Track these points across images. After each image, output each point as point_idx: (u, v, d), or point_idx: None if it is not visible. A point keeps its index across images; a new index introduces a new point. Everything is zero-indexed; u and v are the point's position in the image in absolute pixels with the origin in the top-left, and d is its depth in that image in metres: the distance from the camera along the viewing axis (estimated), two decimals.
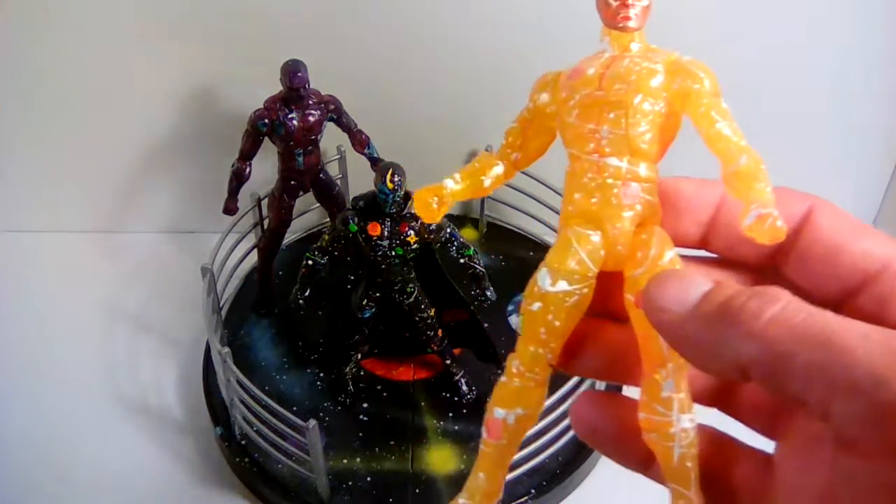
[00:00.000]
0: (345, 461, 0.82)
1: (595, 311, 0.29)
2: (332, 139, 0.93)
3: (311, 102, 0.84)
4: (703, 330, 0.25)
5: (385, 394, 0.88)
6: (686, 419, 0.28)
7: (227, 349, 0.77)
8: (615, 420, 0.30)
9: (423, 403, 0.87)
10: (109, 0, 0.91)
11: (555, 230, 0.99)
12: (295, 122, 0.83)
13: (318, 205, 0.95)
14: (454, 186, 0.31)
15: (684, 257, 0.29)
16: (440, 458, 0.83)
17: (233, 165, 0.86)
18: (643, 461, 0.30)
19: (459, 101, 0.98)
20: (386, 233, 0.77)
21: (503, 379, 0.30)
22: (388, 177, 0.74)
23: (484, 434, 0.30)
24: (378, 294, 0.82)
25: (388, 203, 0.76)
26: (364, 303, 0.82)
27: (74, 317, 1.00)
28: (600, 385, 0.77)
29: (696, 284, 0.26)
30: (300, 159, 0.86)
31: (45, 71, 0.97)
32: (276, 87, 0.82)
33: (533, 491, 0.80)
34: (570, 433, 0.79)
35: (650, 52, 0.29)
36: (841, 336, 0.22)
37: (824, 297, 0.28)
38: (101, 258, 1.08)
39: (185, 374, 0.94)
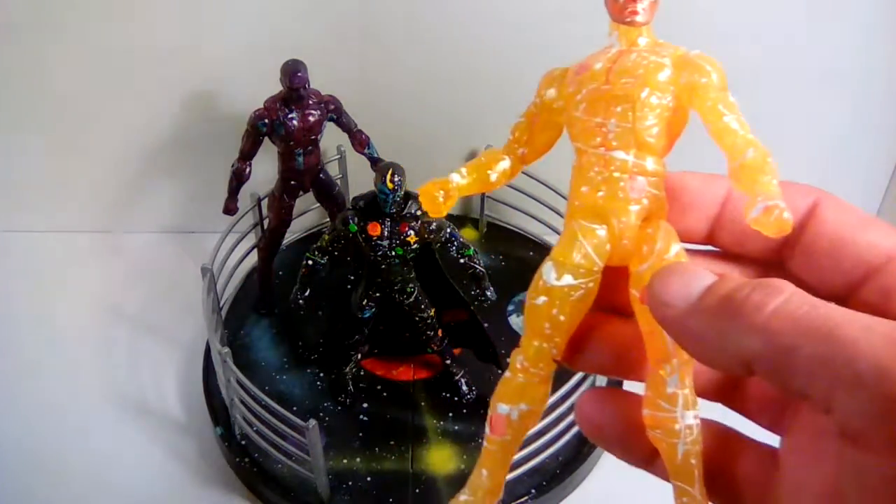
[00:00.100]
0: (345, 461, 0.82)
1: (600, 305, 0.29)
2: (332, 139, 0.93)
3: (311, 102, 0.84)
4: (706, 324, 0.25)
5: (385, 394, 0.88)
6: (690, 416, 0.27)
7: (227, 349, 0.77)
8: (619, 416, 0.30)
9: (423, 403, 0.87)
10: (110, 0, 0.91)
11: (555, 230, 0.99)
12: (295, 122, 0.83)
13: (318, 205, 0.95)
14: (460, 180, 0.31)
15: (690, 252, 0.29)
16: (440, 458, 0.83)
17: (233, 165, 0.86)
18: (647, 457, 0.30)
19: (459, 101, 0.98)
20: (386, 233, 0.77)
21: (507, 374, 0.30)
22: (388, 177, 0.74)
23: (487, 430, 0.30)
24: (378, 294, 0.82)
25: (388, 203, 0.76)
26: (364, 303, 0.82)
27: (74, 317, 1.00)
28: (601, 380, 0.77)
29: (699, 278, 0.26)
30: (300, 159, 0.86)
31: (45, 71, 0.97)
32: (276, 87, 0.82)
33: (533, 491, 0.80)
34: (571, 433, 0.80)
35: (658, 47, 0.29)
36: (844, 329, 0.22)
37: (830, 291, 0.28)
38: (101, 258, 1.08)
39: (185, 374, 0.94)
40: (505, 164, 0.32)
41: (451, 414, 0.86)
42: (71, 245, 1.09)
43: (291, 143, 0.84)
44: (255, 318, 0.96)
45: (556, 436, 0.78)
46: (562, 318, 0.28)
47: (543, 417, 0.73)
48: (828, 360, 0.22)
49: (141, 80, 0.97)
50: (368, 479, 0.81)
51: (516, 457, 0.32)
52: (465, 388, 0.87)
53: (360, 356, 0.87)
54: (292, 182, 0.88)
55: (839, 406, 0.22)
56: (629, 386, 0.31)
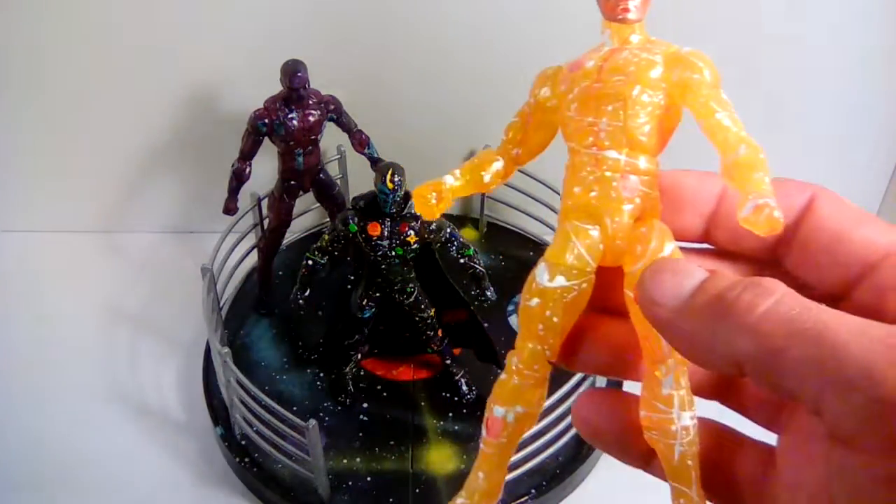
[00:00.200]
0: (345, 461, 0.82)
1: (595, 306, 0.29)
2: (332, 139, 0.93)
3: (311, 102, 0.84)
4: (697, 324, 0.25)
5: (385, 394, 0.88)
6: (687, 416, 0.27)
7: (227, 349, 0.77)
8: (616, 417, 0.30)
9: (423, 403, 0.87)
10: (110, 0, 0.91)
11: (554, 230, 0.99)
12: (295, 122, 0.83)
13: (318, 205, 0.95)
14: (454, 182, 0.31)
15: (685, 250, 0.29)
16: (440, 458, 0.83)
17: (233, 165, 0.86)
18: (644, 457, 0.29)
19: (459, 101, 0.98)
20: (386, 233, 0.77)
21: (503, 376, 0.30)
22: (388, 177, 0.74)
23: (484, 433, 0.30)
24: (378, 294, 0.82)
25: (388, 203, 0.76)
26: (364, 303, 0.82)
27: (74, 317, 1.00)
28: (601, 381, 0.77)
29: (690, 275, 0.26)
30: (300, 159, 0.86)
31: (46, 71, 0.97)
32: (276, 87, 0.82)
33: (533, 491, 0.80)
34: (570, 433, 0.80)
35: (650, 44, 0.29)
36: (834, 331, 0.22)
37: (826, 288, 0.28)
38: (101, 258, 1.08)
39: (185, 374, 0.94)
40: (499, 164, 0.31)
41: (451, 414, 0.86)
42: (71, 245, 1.09)
43: (291, 143, 0.84)
44: (255, 318, 0.96)
45: (556, 436, 0.78)
46: (555, 319, 0.28)
47: (543, 418, 0.73)
48: (818, 362, 0.22)
49: (141, 80, 0.97)
50: (368, 479, 0.81)
51: (516, 457, 0.32)
52: (465, 388, 0.87)
53: (360, 356, 0.87)
54: (292, 182, 0.88)
55: (829, 408, 0.22)
56: (628, 386, 0.31)
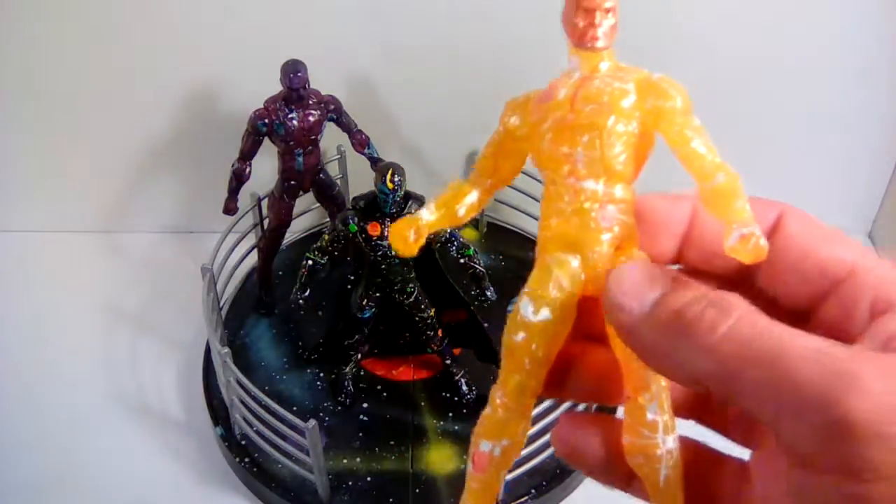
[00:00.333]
0: (345, 461, 0.82)
1: (577, 334, 0.29)
2: (332, 139, 0.93)
3: (311, 102, 0.84)
4: (658, 337, 0.25)
5: (385, 394, 0.88)
6: (671, 440, 0.28)
7: (227, 349, 0.77)
8: (596, 440, 0.30)
9: (423, 403, 0.87)
10: (110, 0, 0.91)
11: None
12: (295, 122, 0.83)
13: (318, 205, 0.95)
14: (429, 217, 0.31)
15: None
16: (440, 458, 0.83)
17: (233, 165, 0.86)
18: (625, 479, 0.30)
19: (460, 102, 0.98)
20: (386, 233, 0.77)
21: (487, 410, 0.30)
22: (388, 177, 0.74)
23: (470, 468, 0.30)
24: (378, 294, 0.82)
25: (388, 203, 0.76)
26: (364, 303, 0.82)
27: (74, 317, 1.00)
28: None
29: (653, 283, 0.26)
30: (300, 159, 0.86)
31: (46, 71, 0.97)
32: (276, 87, 0.82)
33: (533, 491, 0.80)
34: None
35: (620, 71, 0.29)
36: (790, 355, 0.23)
37: (795, 305, 0.28)
38: (101, 258, 1.08)
39: (185, 374, 0.94)
40: (472, 197, 0.31)
41: (451, 414, 0.86)
42: (71, 245, 1.09)
43: (291, 143, 0.84)
44: (255, 318, 0.96)
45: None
46: (541, 352, 0.28)
47: (543, 418, 0.73)
48: (774, 386, 0.22)
49: (141, 80, 0.97)
50: (368, 479, 0.81)
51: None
52: (465, 388, 0.87)
53: (360, 356, 0.87)
54: (292, 182, 0.88)
55: (785, 431, 0.23)
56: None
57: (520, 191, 0.97)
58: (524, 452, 0.74)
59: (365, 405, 0.87)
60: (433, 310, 0.83)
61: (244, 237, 0.93)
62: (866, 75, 0.97)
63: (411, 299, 0.82)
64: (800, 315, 0.28)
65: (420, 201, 0.78)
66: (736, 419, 0.30)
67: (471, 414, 0.86)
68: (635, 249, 0.29)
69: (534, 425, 0.73)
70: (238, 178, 0.87)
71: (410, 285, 0.81)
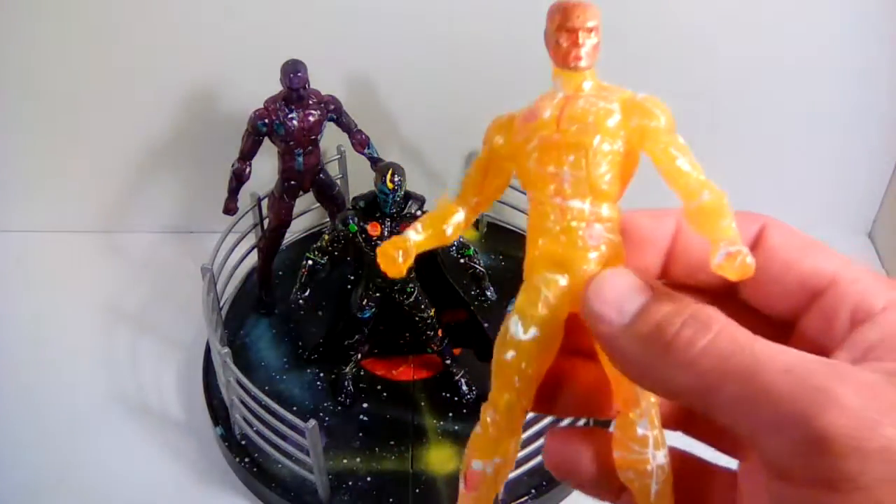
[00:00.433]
0: (345, 461, 0.82)
1: (566, 350, 0.30)
2: (332, 139, 0.93)
3: (311, 102, 0.84)
4: (637, 350, 0.26)
5: (385, 394, 0.88)
6: (661, 455, 0.28)
7: (227, 349, 0.77)
8: (586, 454, 0.31)
9: (423, 403, 0.87)
10: (110, 0, 0.91)
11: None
12: (295, 122, 0.83)
13: (318, 205, 0.95)
14: (416, 238, 0.31)
15: None
16: (440, 458, 0.83)
17: (233, 165, 0.86)
18: (616, 492, 0.30)
19: (459, 101, 0.98)
20: (386, 233, 0.77)
21: (478, 429, 0.30)
22: (388, 177, 0.74)
23: (462, 487, 0.30)
24: (378, 294, 0.82)
25: (388, 203, 0.76)
26: (364, 303, 0.82)
27: (74, 317, 1.00)
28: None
29: (632, 293, 0.26)
30: (300, 159, 0.86)
31: (46, 71, 0.97)
32: (276, 87, 0.82)
33: (533, 491, 0.80)
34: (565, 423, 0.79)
35: (604, 91, 0.29)
36: (766, 370, 0.23)
37: (778, 316, 0.29)
38: (101, 258, 1.08)
39: (185, 374, 0.94)
40: (459, 216, 0.32)
41: (451, 414, 0.86)
42: (71, 245, 1.09)
43: (291, 143, 0.84)
44: (255, 318, 0.96)
45: (554, 426, 0.78)
46: (530, 371, 0.29)
47: (542, 419, 0.73)
48: (751, 401, 0.23)
49: (141, 80, 0.97)
50: (368, 479, 0.81)
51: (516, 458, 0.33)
52: (465, 388, 0.87)
53: (360, 356, 0.87)
54: (292, 182, 0.88)
55: (763, 444, 0.23)
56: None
57: (520, 191, 0.97)
58: (524, 453, 0.75)
59: (365, 405, 0.87)
60: (433, 310, 0.83)
61: (244, 237, 0.93)
62: (866, 75, 0.97)
63: (411, 299, 0.82)
64: (783, 326, 0.29)
65: (420, 201, 0.78)
66: (723, 430, 0.31)
67: (471, 414, 0.86)
68: (622, 266, 0.29)
69: (533, 426, 0.73)
70: (238, 178, 0.87)
71: (410, 285, 0.81)
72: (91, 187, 1.07)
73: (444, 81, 0.98)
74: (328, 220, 0.96)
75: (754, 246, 0.29)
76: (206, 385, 0.88)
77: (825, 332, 0.27)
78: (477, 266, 0.81)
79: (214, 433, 0.85)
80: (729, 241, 0.25)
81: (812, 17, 0.93)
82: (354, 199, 0.79)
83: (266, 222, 0.93)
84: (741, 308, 0.29)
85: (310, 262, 0.81)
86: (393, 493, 0.80)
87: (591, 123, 0.28)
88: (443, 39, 0.94)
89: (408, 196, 0.77)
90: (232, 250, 0.90)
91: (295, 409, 0.83)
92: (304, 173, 0.88)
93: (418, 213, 0.77)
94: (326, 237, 0.81)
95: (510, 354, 0.29)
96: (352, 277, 0.95)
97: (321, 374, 0.89)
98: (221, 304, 0.90)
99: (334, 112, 0.86)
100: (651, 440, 0.28)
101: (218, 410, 0.85)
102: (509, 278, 0.95)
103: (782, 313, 0.29)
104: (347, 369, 0.86)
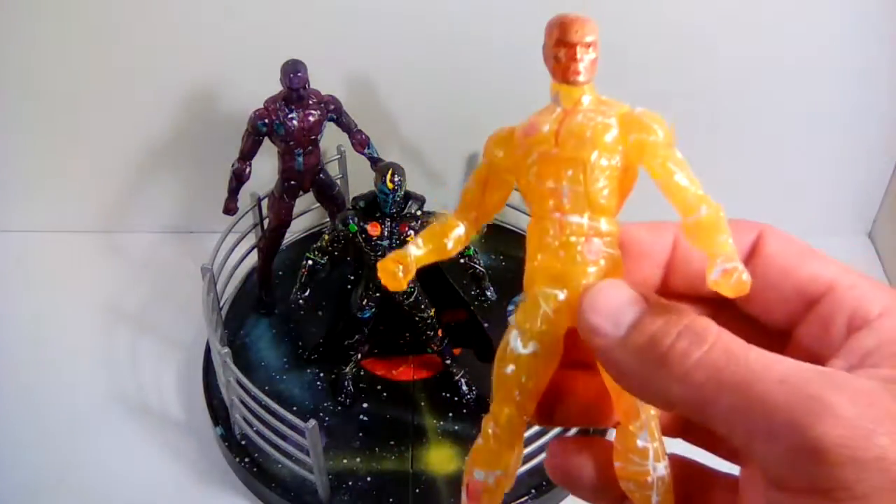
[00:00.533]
0: (345, 461, 0.82)
1: (566, 362, 0.30)
2: (332, 139, 0.93)
3: (311, 102, 0.84)
4: (633, 362, 0.26)
5: (385, 394, 0.88)
6: (661, 466, 0.28)
7: (227, 349, 0.77)
8: (588, 463, 0.31)
9: (423, 403, 0.87)
10: (110, 0, 0.91)
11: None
12: (295, 122, 0.83)
13: (318, 205, 0.95)
14: (417, 252, 0.31)
15: None
16: (440, 458, 0.83)
17: (233, 165, 0.86)
18: (617, 500, 0.30)
19: (460, 102, 0.98)
20: (386, 233, 0.77)
21: (479, 441, 0.30)
22: (388, 177, 0.74)
23: (464, 498, 0.30)
24: (378, 294, 0.82)
25: (388, 203, 0.76)
26: (364, 303, 0.82)
27: (74, 317, 1.00)
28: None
29: (627, 306, 0.27)
30: (300, 159, 0.86)
31: (46, 71, 0.97)
32: (276, 87, 0.82)
33: (533, 491, 0.80)
34: (570, 433, 0.79)
35: (602, 105, 0.29)
36: (761, 381, 0.23)
37: (776, 324, 0.29)
38: (101, 258, 1.08)
39: (185, 374, 0.94)
40: (459, 231, 0.32)
41: (451, 414, 0.86)
42: (71, 245, 1.09)
43: (291, 143, 0.84)
44: (255, 318, 0.96)
45: (556, 436, 0.78)
46: (531, 384, 0.29)
47: None
48: (745, 412, 0.23)
49: (141, 80, 0.97)
50: (368, 479, 0.81)
51: None
52: (465, 388, 0.87)
53: (360, 356, 0.87)
54: (292, 182, 0.88)
55: (758, 454, 0.23)
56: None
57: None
58: (524, 452, 0.75)
59: (365, 405, 0.87)
60: (433, 310, 0.83)
61: (244, 237, 0.93)
62: (866, 75, 0.97)
63: (411, 299, 0.82)
64: (781, 334, 0.29)
65: (420, 201, 0.78)
66: (723, 438, 0.31)
67: (471, 414, 0.86)
68: (616, 279, 0.29)
69: (534, 426, 0.73)
70: (238, 178, 0.87)
71: (410, 285, 0.81)
72: (91, 187, 1.07)
73: (444, 82, 0.98)
74: (328, 220, 0.96)
75: (751, 254, 0.29)
76: (206, 385, 0.88)
77: (822, 339, 0.27)
78: (477, 266, 0.81)
79: (214, 433, 0.85)
80: (725, 258, 0.26)
81: (812, 17, 0.93)
82: (354, 199, 0.79)
83: (266, 222, 0.93)
84: (739, 318, 0.29)
85: (310, 262, 0.81)
86: (393, 493, 0.80)
87: (588, 138, 0.28)
88: (443, 39, 0.94)
89: (408, 196, 0.77)
90: (232, 250, 0.90)
91: (295, 409, 0.83)
92: (304, 173, 0.88)
93: (418, 213, 0.77)
94: (326, 237, 0.81)
95: (510, 368, 0.29)
96: (352, 277, 0.95)
97: (321, 374, 0.89)
98: (221, 304, 0.90)
99: (334, 112, 0.86)
100: (651, 452, 0.28)
101: (218, 410, 0.85)
102: (509, 278, 0.96)
103: (780, 321, 0.29)
104: (347, 369, 0.86)
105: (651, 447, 0.28)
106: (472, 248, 0.80)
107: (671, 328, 0.25)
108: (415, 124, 1.02)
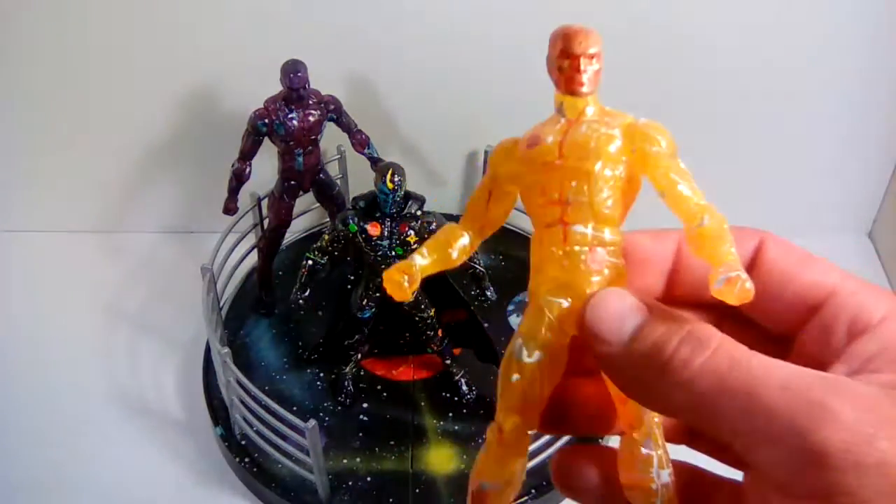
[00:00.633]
0: (345, 461, 0.82)
1: (570, 370, 0.30)
2: (332, 139, 0.93)
3: (311, 102, 0.84)
4: (636, 370, 0.26)
5: (385, 394, 0.88)
6: (665, 474, 0.28)
7: (227, 349, 0.77)
8: (593, 471, 0.31)
9: (423, 403, 0.87)
10: (110, 0, 0.91)
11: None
12: (295, 122, 0.83)
13: (318, 205, 0.95)
14: (422, 262, 0.31)
15: None
16: (440, 458, 0.83)
17: (233, 165, 0.86)
18: None
19: (459, 101, 0.98)
20: (386, 233, 0.77)
21: (484, 451, 0.30)
22: (388, 177, 0.74)
23: None
24: (378, 294, 0.82)
25: (388, 203, 0.76)
26: (364, 303, 0.82)
27: (74, 317, 1.00)
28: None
29: (630, 313, 0.27)
30: (300, 159, 0.86)
31: (45, 71, 0.97)
32: (276, 87, 0.82)
33: (533, 491, 0.80)
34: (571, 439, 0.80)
35: (606, 116, 0.29)
36: (763, 386, 0.23)
37: (778, 330, 0.29)
38: (101, 258, 1.08)
39: (185, 374, 0.94)
40: (464, 241, 0.32)
41: (451, 414, 0.86)
42: (71, 245, 1.09)
43: (291, 143, 0.84)
44: (255, 318, 0.96)
45: (556, 437, 0.78)
46: (535, 393, 0.29)
47: None
48: (748, 418, 0.23)
49: (141, 80, 0.97)
50: (368, 479, 0.81)
51: None
52: (465, 388, 0.87)
53: (360, 356, 0.87)
54: (292, 182, 0.88)
55: (760, 460, 0.23)
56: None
57: None
58: None
59: (365, 405, 0.87)
60: (433, 310, 0.83)
61: (244, 237, 0.93)
62: (866, 75, 0.97)
63: (411, 299, 0.82)
64: (783, 340, 0.29)
65: (420, 201, 0.78)
66: (726, 444, 0.31)
67: (471, 414, 0.86)
68: (619, 287, 0.29)
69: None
70: (238, 178, 0.87)
71: None
72: (91, 187, 1.07)
73: (444, 82, 0.98)
74: (328, 220, 0.96)
75: (753, 261, 0.29)
76: (206, 385, 0.88)
77: (824, 344, 0.27)
78: (477, 266, 0.81)
79: (214, 433, 0.85)
80: (728, 267, 0.26)
81: (812, 18, 0.93)
82: (354, 199, 0.79)
83: (266, 222, 0.93)
84: (741, 324, 0.30)
85: (310, 262, 0.81)
86: (393, 493, 0.80)
87: (592, 149, 0.28)
88: (443, 39, 0.94)
89: (408, 196, 0.77)
90: (232, 250, 0.90)
91: (295, 409, 0.83)
92: (304, 173, 0.88)
93: (418, 213, 0.78)
94: (326, 237, 0.81)
95: (515, 377, 0.29)
96: (352, 277, 0.95)
97: (321, 374, 0.89)
98: (221, 304, 0.90)
99: (334, 112, 0.86)
100: (655, 460, 0.28)
101: (218, 410, 0.85)
102: (509, 278, 0.96)
103: (782, 327, 0.29)
104: (347, 369, 0.86)
105: (655, 454, 0.28)
106: None
107: (673, 335, 0.25)
108: (415, 124, 1.02)
